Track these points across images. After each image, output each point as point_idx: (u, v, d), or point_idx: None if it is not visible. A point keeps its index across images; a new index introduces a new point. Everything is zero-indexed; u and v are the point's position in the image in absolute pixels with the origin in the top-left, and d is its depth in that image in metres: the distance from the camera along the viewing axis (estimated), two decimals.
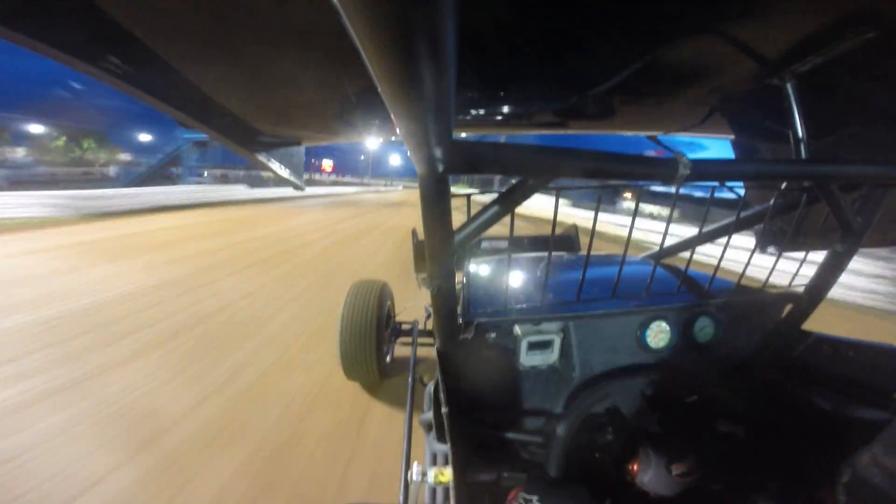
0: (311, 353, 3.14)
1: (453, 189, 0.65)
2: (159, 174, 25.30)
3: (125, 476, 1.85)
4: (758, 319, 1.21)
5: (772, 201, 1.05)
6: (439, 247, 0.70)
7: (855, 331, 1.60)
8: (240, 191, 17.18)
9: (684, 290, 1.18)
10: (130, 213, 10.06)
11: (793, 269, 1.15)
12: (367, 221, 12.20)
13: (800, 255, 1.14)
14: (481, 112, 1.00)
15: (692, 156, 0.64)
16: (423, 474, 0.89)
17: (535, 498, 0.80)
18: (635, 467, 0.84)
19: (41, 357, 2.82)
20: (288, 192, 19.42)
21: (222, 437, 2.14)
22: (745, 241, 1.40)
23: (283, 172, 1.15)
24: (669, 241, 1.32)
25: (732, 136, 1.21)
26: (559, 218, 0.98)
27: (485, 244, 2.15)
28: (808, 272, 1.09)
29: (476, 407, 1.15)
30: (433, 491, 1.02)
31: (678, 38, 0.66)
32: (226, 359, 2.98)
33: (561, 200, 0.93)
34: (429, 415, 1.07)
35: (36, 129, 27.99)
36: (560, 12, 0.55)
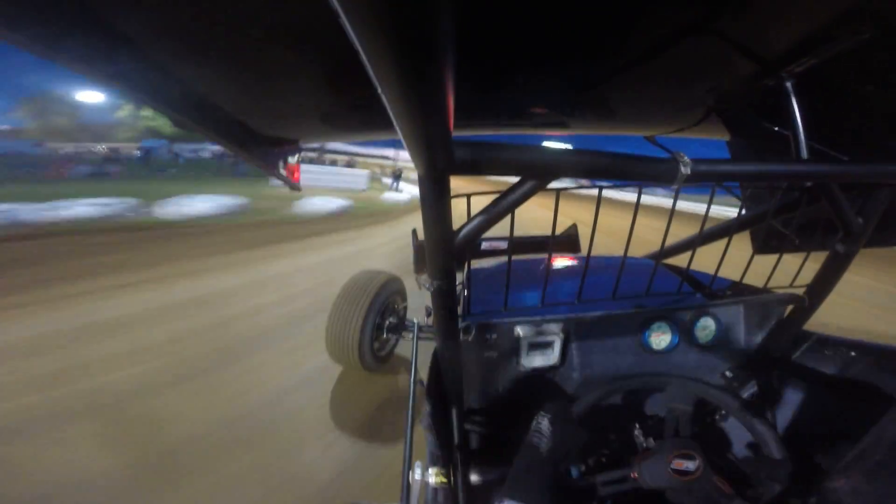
0: None
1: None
2: None
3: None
4: (759, 320, 1.21)
5: (772, 201, 1.05)
6: (439, 247, 0.70)
7: None
8: None
9: (685, 291, 1.18)
10: None
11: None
12: None
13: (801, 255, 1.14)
14: (481, 112, 1.00)
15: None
16: (424, 474, 0.89)
17: (547, 417, 0.83)
18: (636, 467, 0.84)
19: None
20: None
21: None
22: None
23: (279, 172, 1.15)
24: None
25: (728, 138, 1.21)
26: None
27: (485, 244, 2.14)
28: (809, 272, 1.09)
29: (477, 407, 1.15)
30: (434, 491, 1.02)
31: (677, 37, 0.66)
32: None
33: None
34: (430, 415, 1.06)
35: None
36: (559, 12, 0.55)
